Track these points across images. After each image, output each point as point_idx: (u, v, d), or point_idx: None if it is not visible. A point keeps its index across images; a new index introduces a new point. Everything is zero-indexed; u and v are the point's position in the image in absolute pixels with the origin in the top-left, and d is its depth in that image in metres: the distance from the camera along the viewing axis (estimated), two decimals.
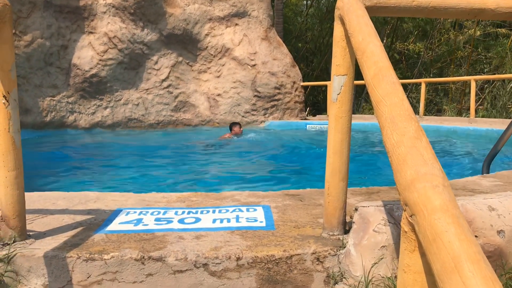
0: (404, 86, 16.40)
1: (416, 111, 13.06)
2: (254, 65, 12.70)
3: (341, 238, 2.18)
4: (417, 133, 1.16)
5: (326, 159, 2.20)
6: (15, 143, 2.12)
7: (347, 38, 2.01)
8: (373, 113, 13.10)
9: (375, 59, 1.50)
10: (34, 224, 2.43)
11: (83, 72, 11.56)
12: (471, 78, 11.16)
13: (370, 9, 2.00)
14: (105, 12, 11.71)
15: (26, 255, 2.03)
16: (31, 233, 2.27)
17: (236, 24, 12.90)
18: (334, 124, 2.12)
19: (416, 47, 17.79)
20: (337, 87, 2.10)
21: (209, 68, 12.85)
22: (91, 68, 11.62)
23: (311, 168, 6.39)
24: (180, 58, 12.65)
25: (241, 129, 10.26)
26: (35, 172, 5.83)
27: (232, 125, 10.24)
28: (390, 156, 1.17)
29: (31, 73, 11.12)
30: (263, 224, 2.41)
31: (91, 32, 11.70)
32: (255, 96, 12.76)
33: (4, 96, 2.08)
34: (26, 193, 2.24)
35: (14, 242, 2.14)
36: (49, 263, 2.01)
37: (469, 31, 16.18)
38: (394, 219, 2.09)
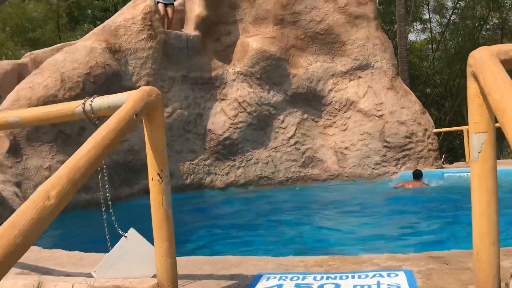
0: None
1: None
2: (381, 115, 12.47)
3: None
4: None
5: (472, 221, 2.06)
6: (168, 216, 2.36)
7: (483, 95, 1.92)
8: None
9: None
10: None
11: (217, 136, 12.40)
12: None
13: (506, 63, 1.89)
14: (234, 80, 12.60)
15: None
16: None
17: (360, 77, 12.90)
18: (477, 184, 2.00)
19: None
20: (477, 145, 1.99)
21: (334, 122, 12.92)
22: (224, 131, 12.43)
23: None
24: (305, 115, 12.95)
25: None
26: (178, 233, 6.27)
27: (419, 173, 9.85)
28: None
29: (172, 140, 12.23)
30: None
31: (223, 99, 12.62)
32: (384, 146, 12.43)
33: (158, 173, 2.34)
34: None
35: None
36: None
37: None
38: None
